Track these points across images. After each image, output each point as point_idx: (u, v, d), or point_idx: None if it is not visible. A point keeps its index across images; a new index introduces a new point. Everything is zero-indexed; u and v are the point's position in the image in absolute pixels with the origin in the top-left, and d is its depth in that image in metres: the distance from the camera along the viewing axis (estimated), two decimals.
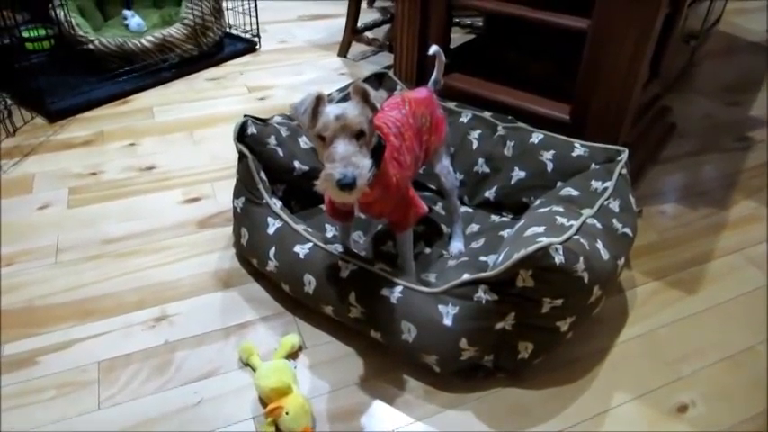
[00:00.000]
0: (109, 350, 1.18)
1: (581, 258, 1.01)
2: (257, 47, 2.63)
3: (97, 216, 1.56)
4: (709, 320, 1.29)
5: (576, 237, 1.05)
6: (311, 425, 1.02)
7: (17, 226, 1.52)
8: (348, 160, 0.89)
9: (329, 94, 1.63)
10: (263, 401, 1.06)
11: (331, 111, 0.93)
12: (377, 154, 1.00)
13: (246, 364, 1.14)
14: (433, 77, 1.38)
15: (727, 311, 1.32)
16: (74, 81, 2.17)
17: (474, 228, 1.46)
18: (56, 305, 1.28)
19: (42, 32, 2.33)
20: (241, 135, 1.32)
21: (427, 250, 1.38)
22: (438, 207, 1.52)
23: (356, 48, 2.62)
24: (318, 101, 0.94)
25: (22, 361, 1.15)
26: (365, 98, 0.95)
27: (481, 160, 1.51)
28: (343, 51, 2.57)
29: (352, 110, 0.93)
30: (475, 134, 1.53)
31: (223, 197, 1.63)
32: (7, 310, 1.26)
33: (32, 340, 1.19)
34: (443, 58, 1.36)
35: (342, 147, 0.90)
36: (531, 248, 0.97)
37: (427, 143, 1.28)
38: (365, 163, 0.89)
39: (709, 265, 1.45)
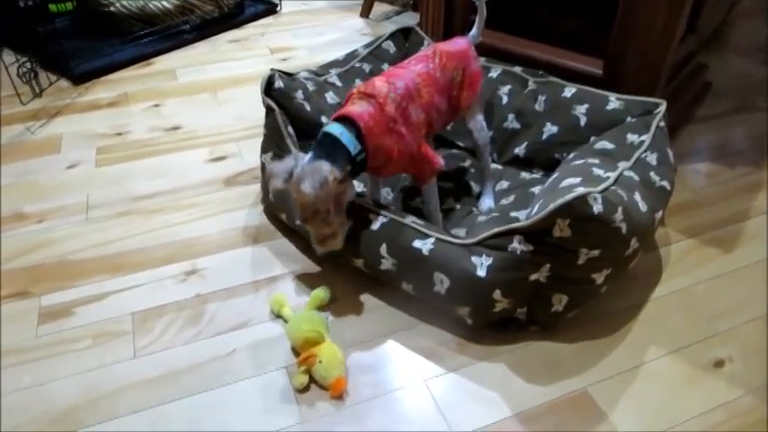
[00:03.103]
0: (142, 302, 1.19)
1: (619, 209, 0.99)
2: (278, 8, 2.59)
3: (125, 174, 1.57)
4: (745, 278, 1.27)
5: (613, 187, 1.02)
6: (344, 374, 1.03)
7: (47, 184, 1.53)
8: (321, 242, 1.12)
9: (354, 51, 1.61)
10: (296, 351, 1.07)
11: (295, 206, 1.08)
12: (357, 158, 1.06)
13: (278, 316, 1.15)
14: (473, 31, 1.33)
15: (763, 269, 1.29)
16: (97, 44, 2.17)
17: (503, 185, 1.43)
18: (88, 259, 1.29)
19: None
20: (268, 89, 1.31)
21: (457, 206, 1.37)
22: (467, 164, 1.50)
23: (379, 8, 2.57)
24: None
25: (58, 312, 1.17)
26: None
27: (511, 116, 1.48)
28: (365, 12, 2.53)
29: (302, 196, 1.02)
30: (505, 89, 1.50)
31: (249, 156, 1.63)
32: (42, 264, 1.28)
33: (67, 292, 1.21)
34: (485, 10, 1.32)
35: (313, 229, 1.10)
36: (569, 197, 0.95)
37: (458, 98, 1.25)
38: (330, 234, 1.10)
39: (746, 223, 1.42)
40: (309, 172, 1.00)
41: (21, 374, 1.05)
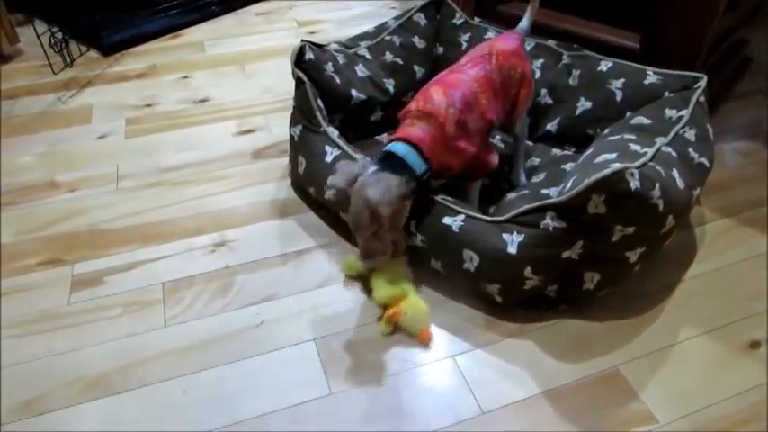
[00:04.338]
0: (172, 272, 1.20)
1: (657, 185, 0.96)
2: None
3: (154, 146, 1.57)
4: None
5: (651, 163, 1.00)
6: (429, 326, 1.07)
7: (78, 154, 1.54)
8: (367, 258, 1.04)
9: (384, 23, 1.58)
10: (382, 307, 1.09)
11: (348, 213, 1.03)
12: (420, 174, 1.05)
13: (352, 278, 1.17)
14: (523, 23, 1.30)
15: None
16: (126, 15, 2.16)
17: (534, 161, 1.41)
18: (119, 229, 1.31)
19: None
20: (299, 60, 1.29)
21: (486, 181, 1.34)
22: (496, 140, 1.47)
23: None
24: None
25: (90, 280, 1.19)
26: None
27: (544, 91, 1.44)
28: None
29: (359, 222, 1.00)
30: (537, 63, 1.46)
31: (277, 129, 1.62)
32: (74, 233, 1.30)
33: (99, 261, 1.23)
34: (537, 2, 1.30)
35: (361, 245, 1.04)
36: (606, 172, 0.92)
37: (517, 96, 1.22)
38: (379, 251, 1.03)
39: None
40: (376, 180, 0.99)
41: (54, 340, 1.07)
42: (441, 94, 1.09)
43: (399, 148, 1.05)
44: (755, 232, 1.29)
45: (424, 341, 1.06)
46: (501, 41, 1.23)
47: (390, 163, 1.03)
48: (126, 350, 1.06)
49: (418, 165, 1.04)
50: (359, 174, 1.01)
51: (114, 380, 1.01)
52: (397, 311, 1.05)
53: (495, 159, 1.19)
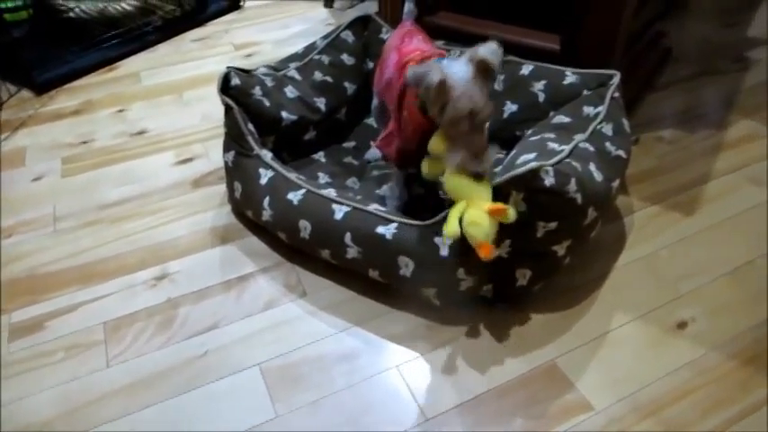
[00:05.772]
0: (113, 311, 1.19)
1: (573, 180, 1.00)
2: (241, 3, 2.57)
3: (92, 183, 1.56)
4: (708, 239, 1.29)
5: (567, 160, 1.04)
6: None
7: (13, 199, 1.52)
8: (481, 155, 0.97)
9: (313, 43, 1.60)
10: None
11: (462, 103, 0.95)
12: None
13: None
14: (407, 7, 1.35)
15: (726, 229, 1.32)
16: (58, 51, 2.13)
17: None
18: (59, 271, 1.29)
19: (20, 2, 2.27)
20: (225, 87, 1.30)
21: (421, 190, 1.37)
22: None
23: None
24: (441, 89, 0.95)
25: (30, 327, 1.17)
26: (487, 73, 0.97)
27: None
28: (329, 1, 2.51)
29: (480, 100, 0.95)
30: None
31: (215, 156, 1.62)
32: (12, 279, 1.28)
33: (39, 306, 1.21)
34: None
35: (476, 142, 0.98)
36: (521, 170, 0.96)
37: None
38: (491, 155, 0.99)
39: (708, 185, 1.44)
40: (473, 49, 0.97)
41: None
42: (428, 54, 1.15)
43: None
44: (682, 216, 1.35)
45: (485, 253, 0.94)
46: (404, 29, 1.31)
47: None
48: (70, 395, 1.04)
49: None
50: (442, 66, 0.98)
51: (59, 426, 1.00)
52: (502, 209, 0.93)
53: None
